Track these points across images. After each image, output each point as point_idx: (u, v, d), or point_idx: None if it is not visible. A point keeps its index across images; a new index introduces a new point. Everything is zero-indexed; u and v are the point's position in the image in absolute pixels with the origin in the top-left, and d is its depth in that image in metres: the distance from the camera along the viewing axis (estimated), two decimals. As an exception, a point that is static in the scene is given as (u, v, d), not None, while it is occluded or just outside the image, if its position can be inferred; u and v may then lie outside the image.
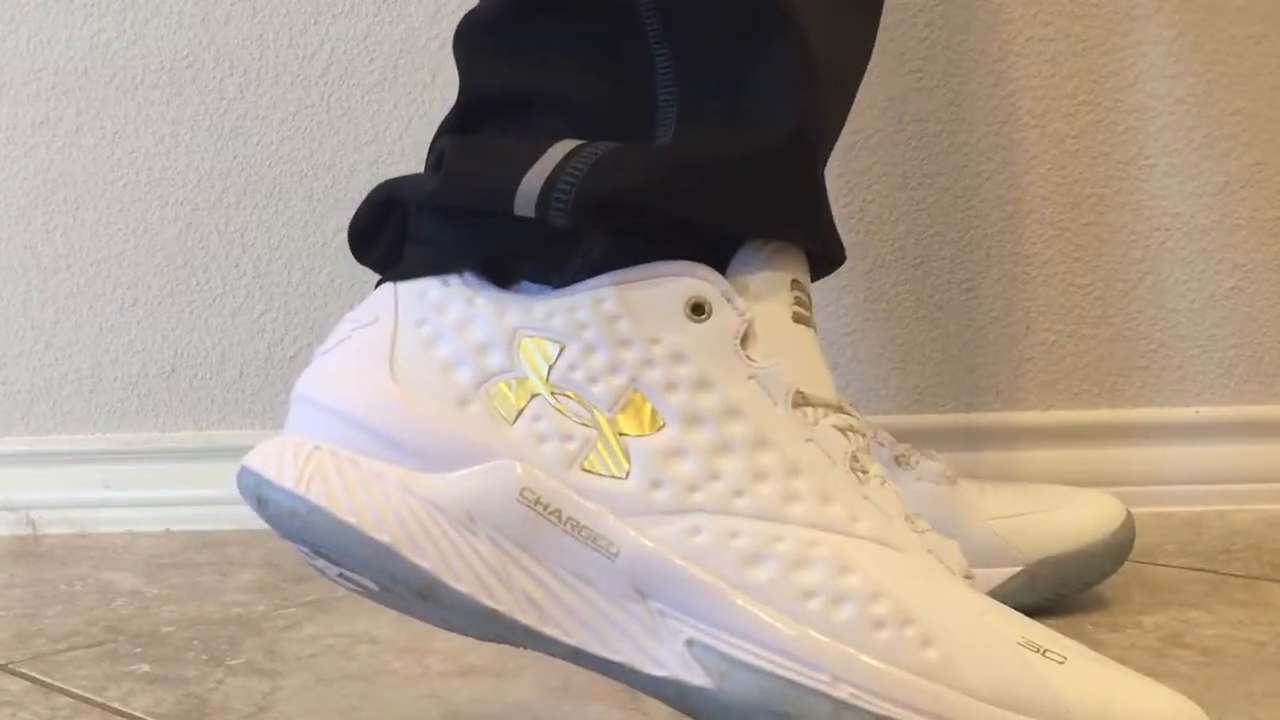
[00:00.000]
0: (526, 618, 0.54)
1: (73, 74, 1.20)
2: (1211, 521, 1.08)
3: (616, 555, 0.54)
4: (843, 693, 0.52)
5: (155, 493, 1.20)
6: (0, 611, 0.94)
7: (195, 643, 0.84)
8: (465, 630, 0.57)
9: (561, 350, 0.56)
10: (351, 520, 0.54)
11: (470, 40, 0.61)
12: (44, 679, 0.78)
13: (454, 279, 0.57)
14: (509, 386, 0.56)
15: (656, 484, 0.55)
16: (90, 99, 1.20)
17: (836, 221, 0.63)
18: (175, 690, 0.75)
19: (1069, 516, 0.86)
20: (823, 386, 0.58)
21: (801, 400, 0.57)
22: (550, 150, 0.55)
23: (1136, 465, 1.13)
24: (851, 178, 1.14)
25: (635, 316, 0.56)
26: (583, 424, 0.55)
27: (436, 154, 0.60)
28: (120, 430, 1.22)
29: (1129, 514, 0.87)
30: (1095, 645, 0.77)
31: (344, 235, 0.64)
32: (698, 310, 0.56)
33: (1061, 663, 0.54)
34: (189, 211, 1.20)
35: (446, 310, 0.57)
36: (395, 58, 1.18)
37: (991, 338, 1.16)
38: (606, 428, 0.55)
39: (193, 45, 1.19)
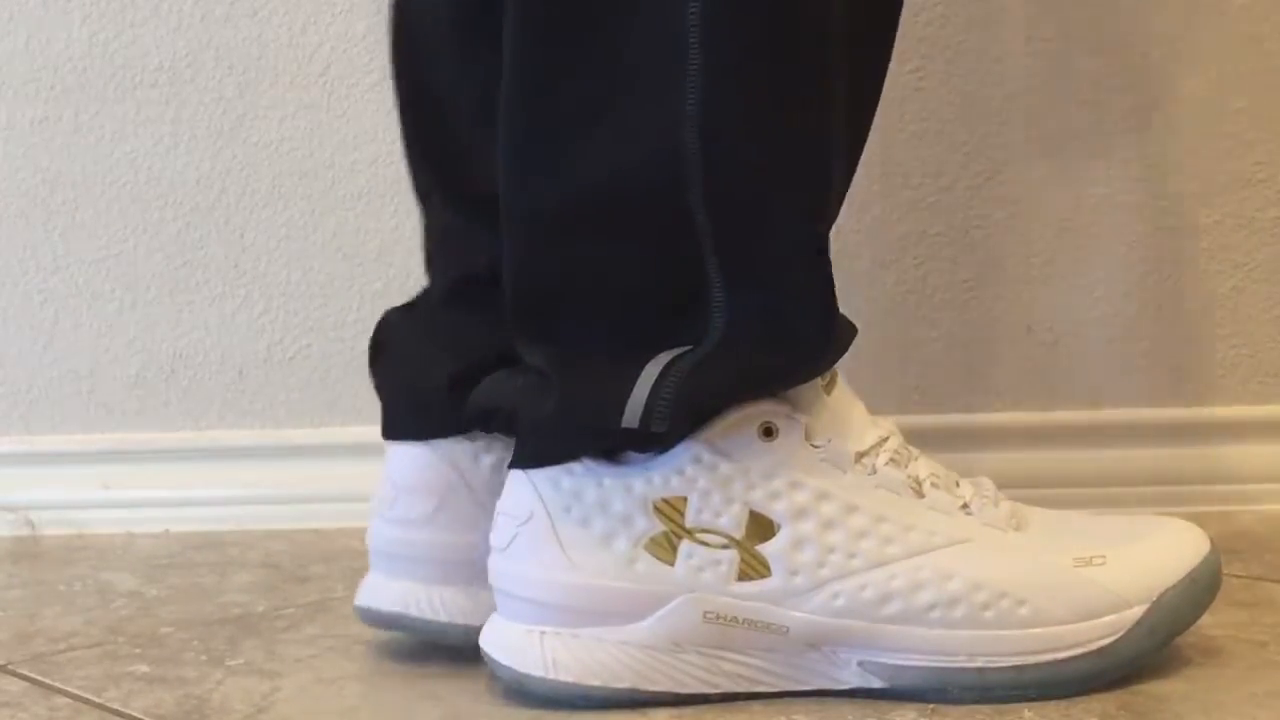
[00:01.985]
0: (740, 686, 0.71)
1: (72, 74, 1.20)
2: (1212, 522, 1.07)
3: (787, 630, 0.70)
4: (978, 663, 0.70)
5: (154, 493, 1.20)
6: (0, 612, 0.94)
7: (195, 643, 0.84)
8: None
9: (686, 501, 0.70)
10: (597, 683, 0.70)
11: (544, 230, 0.72)
12: (43, 679, 0.78)
13: (575, 466, 0.71)
14: (658, 541, 0.71)
15: (794, 573, 0.70)
16: (89, 99, 1.20)
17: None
18: (175, 691, 0.75)
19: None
20: (865, 430, 0.73)
21: (859, 456, 0.72)
22: (642, 374, 0.69)
23: (1137, 465, 1.13)
24: (851, 178, 1.14)
25: (728, 457, 0.70)
26: (724, 547, 0.70)
27: (539, 364, 0.72)
28: (119, 430, 1.22)
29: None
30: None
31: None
32: (768, 433, 0.71)
33: (1104, 563, 0.71)
34: (189, 211, 1.20)
35: (584, 495, 0.71)
36: (395, 58, 1.17)
37: (991, 338, 1.16)
38: (742, 546, 0.70)
39: (192, 45, 1.19)
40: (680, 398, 0.69)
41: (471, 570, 0.77)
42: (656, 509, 0.71)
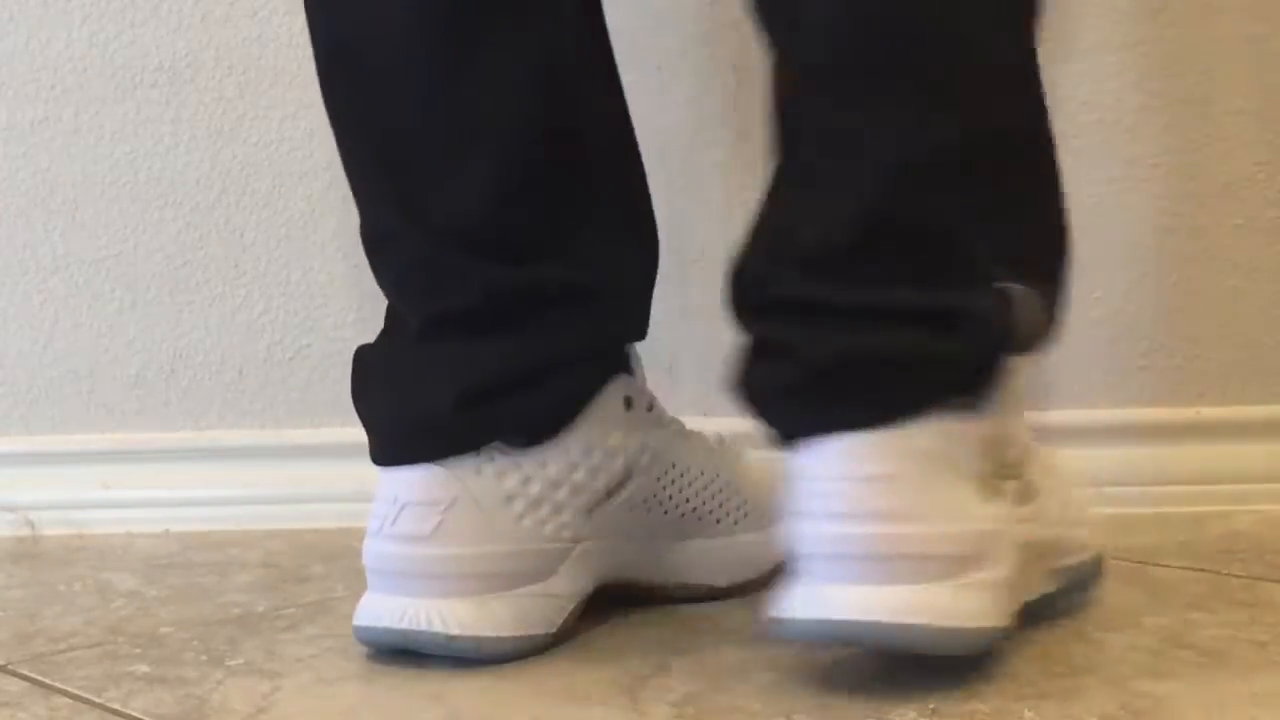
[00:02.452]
0: (1016, 606, 0.75)
1: (72, 74, 1.20)
2: (1212, 522, 1.08)
3: (1032, 545, 0.76)
4: (1085, 558, 0.83)
5: (154, 493, 1.20)
6: (0, 612, 0.94)
7: (195, 643, 0.84)
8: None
9: (1000, 439, 0.74)
10: (991, 625, 0.72)
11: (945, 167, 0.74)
12: (43, 679, 0.78)
13: (919, 421, 0.71)
14: (988, 479, 0.73)
15: (1035, 496, 0.77)
16: (90, 99, 1.20)
17: None
18: (175, 691, 0.75)
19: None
20: None
21: None
22: (1021, 301, 0.74)
23: (1136, 465, 1.13)
24: (851, 178, 1.14)
25: (1004, 398, 0.75)
26: (1016, 478, 0.75)
27: (989, 309, 0.73)
28: (120, 430, 1.22)
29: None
30: (1095, 646, 0.77)
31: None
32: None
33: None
34: (189, 211, 1.20)
35: (941, 444, 0.72)
36: (395, 58, 1.17)
37: (992, 338, 1.15)
38: (1023, 477, 0.76)
39: (192, 45, 1.19)
40: (1048, 331, 0.77)
41: (479, 581, 0.78)
42: (986, 450, 0.73)
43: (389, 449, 0.81)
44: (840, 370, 0.71)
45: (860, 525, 0.70)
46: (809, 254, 0.72)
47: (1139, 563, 0.96)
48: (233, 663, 0.80)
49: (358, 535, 0.83)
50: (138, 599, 0.96)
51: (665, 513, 0.87)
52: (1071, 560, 0.82)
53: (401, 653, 0.80)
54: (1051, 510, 0.79)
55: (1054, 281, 0.78)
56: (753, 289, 0.75)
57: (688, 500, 0.88)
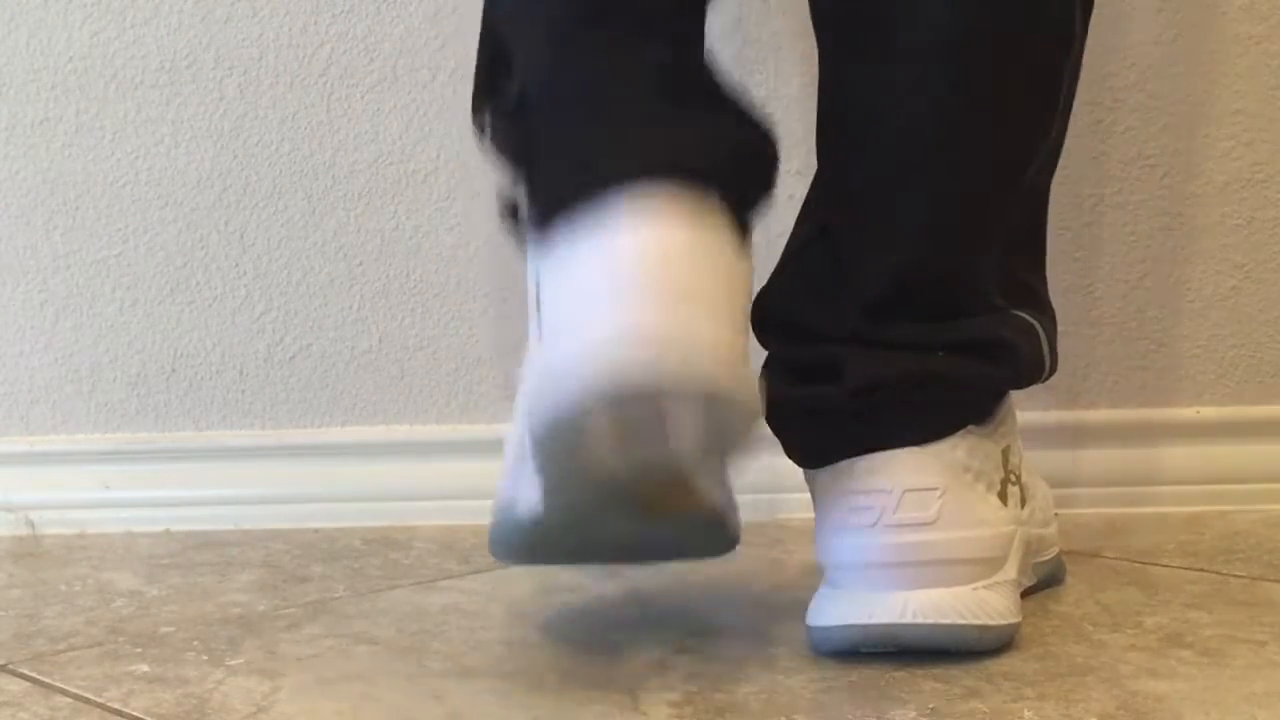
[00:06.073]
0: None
1: (73, 74, 1.20)
2: (1212, 522, 1.08)
3: (1030, 544, 0.83)
4: (1048, 556, 0.90)
5: (155, 493, 1.20)
6: (0, 612, 0.94)
7: (195, 643, 0.84)
8: None
9: (1010, 447, 0.80)
10: (1016, 621, 0.78)
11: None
12: (44, 679, 0.78)
13: (961, 431, 0.77)
14: (999, 485, 0.78)
15: (1026, 502, 0.83)
16: (90, 99, 1.20)
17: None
18: (175, 690, 0.75)
19: None
20: None
21: None
22: (1042, 330, 0.83)
23: (1136, 465, 1.13)
24: (851, 178, 1.14)
25: (1014, 430, 0.83)
26: (1017, 483, 0.81)
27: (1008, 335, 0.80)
28: (120, 430, 1.22)
29: None
30: (1095, 646, 0.77)
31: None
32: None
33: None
34: (189, 211, 1.20)
35: (974, 454, 0.78)
36: (395, 58, 1.18)
37: (991, 338, 1.15)
38: (1020, 480, 0.81)
39: (193, 45, 1.19)
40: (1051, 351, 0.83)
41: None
42: (1000, 459, 0.79)
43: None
44: (887, 392, 0.76)
45: (911, 534, 0.75)
46: (854, 298, 0.77)
47: (1139, 563, 0.96)
48: (233, 663, 0.80)
49: (358, 535, 0.83)
50: (138, 599, 0.96)
51: None
52: (1045, 557, 0.87)
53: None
54: (1037, 511, 0.84)
55: (1044, 309, 0.85)
56: (789, 321, 0.80)
57: None
